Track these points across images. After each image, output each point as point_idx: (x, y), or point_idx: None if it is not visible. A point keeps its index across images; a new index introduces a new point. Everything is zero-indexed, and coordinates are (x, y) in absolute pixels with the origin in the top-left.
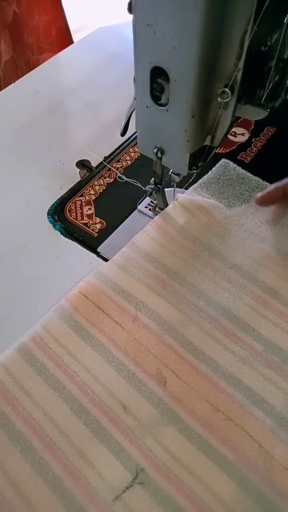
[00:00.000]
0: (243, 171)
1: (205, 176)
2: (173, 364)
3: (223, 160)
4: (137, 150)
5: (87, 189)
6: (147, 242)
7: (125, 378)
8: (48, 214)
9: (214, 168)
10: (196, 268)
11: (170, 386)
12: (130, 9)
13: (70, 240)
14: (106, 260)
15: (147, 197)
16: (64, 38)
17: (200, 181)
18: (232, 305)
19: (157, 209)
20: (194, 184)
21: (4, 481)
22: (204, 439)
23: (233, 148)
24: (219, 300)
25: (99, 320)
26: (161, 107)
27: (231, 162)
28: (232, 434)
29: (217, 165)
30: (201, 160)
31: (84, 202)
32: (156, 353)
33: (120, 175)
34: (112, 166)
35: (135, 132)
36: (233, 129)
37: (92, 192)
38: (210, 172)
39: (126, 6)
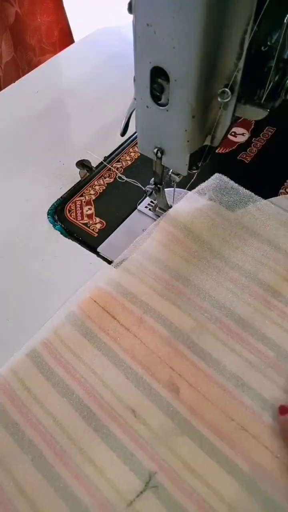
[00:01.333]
0: (236, 184)
1: (202, 184)
2: (185, 372)
3: (217, 174)
4: (137, 150)
5: (87, 189)
6: (151, 244)
7: (133, 383)
8: (48, 214)
9: (209, 179)
10: (199, 269)
11: (183, 395)
12: (130, 9)
13: (70, 240)
14: (106, 260)
15: (147, 197)
16: (66, 39)
17: (198, 187)
18: (236, 306)
19: (157, 209)
20: (192, 190)
21: (15, 490)
22: (218, 449)
23: (233, 148)
24: (223, 301)
25: (106, 324)
26: (161, 107)
27: (225, 176)
28: (246, 444)
29: (212, 177)
30: (201, 160)
31: (84, 202)
32: (164, 357)
33: (120, 175)
34: (112, 166)
35: (135, 132)
36: (233, 129)
37: (92, 192)
38: (206, 182)
39: (126, 6)
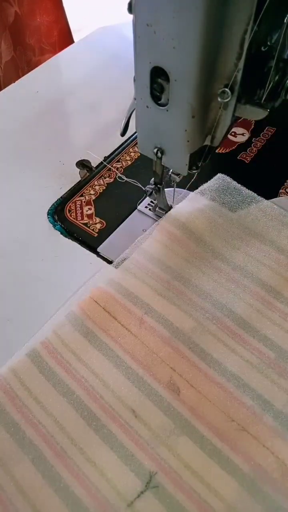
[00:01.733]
0: (239, 185)
1: (204, 184)
2: (186, 372)
3: (219, 174)
4: (137, 150)
5: (87, 189)
6: (152, 244)
7: (134, 383)
8: (48, 214)
9: (211, 180)
10: (200, 269)
11: (183, 395)
12: (130, 9)
13: (70, 240)
14: (106, 260)
15: (147, 197)
16: (66, 39)
17: (201, 188)
18: (237, 306)
19: (157, 209)
20: (195, 191)
21: (15, 491)
22: (218, 449)
23: (233, 148)
24: (224, 301)
25: (107, 324)
26: (161, 107)
27: (228, 177)
28: (247, 445)
29: (215, 178)
30: (201, 160)
31: (84, 202)
32: (165, 358)
33: (120, 175)
34: (112, 166)
35: (135, 132)
36: (233, 129)
37: (92, 192)
38: (208, 182)
39: (126, 6)
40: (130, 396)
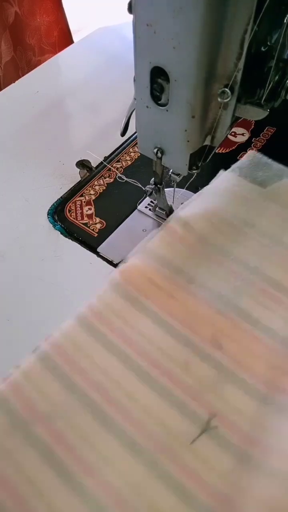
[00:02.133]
0: (270, 160)
1: (236, 163)
2: (228, 329)
3: (250, 151)
4: (137, 150)
5: (87, 189)
6: (190, 215)
7: (179, 341)
8: (48, 214)
9: (243, 157)
10: (237, 241)
11: (226, 350)
12: (130, 9)
13: (70, 240)
14: (106, 260)
15: (147, 197)
16: (66, 40)
17: (233, 166)
18: (274, 271)
19: (157, 209)
20: (227, 170)
21: (80, 439)
22: (264, 393)
23: (233, 148)
24: (261, 268)
25: (150, 291)
26: (161, 107)
27: (258, 153)
28: None
29: (246, 155)
30: (201, 160)
31: (84, 202)
32: (209, 320)
33: (120, 175)
34: (112, 166)
35: (135, 132)
36: (233, 129)
37: (92, 192)
38: (240, 160)
39: (126, 6)
40: (177, 353)
